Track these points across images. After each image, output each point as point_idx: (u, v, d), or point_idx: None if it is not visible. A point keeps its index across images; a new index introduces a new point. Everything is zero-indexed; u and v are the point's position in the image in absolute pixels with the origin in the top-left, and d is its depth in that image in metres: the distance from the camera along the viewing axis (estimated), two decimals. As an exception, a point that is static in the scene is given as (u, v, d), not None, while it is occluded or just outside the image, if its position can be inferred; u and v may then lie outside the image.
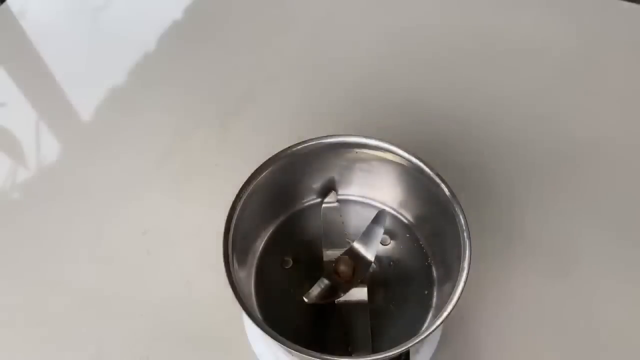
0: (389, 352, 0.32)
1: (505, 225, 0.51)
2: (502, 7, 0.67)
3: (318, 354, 0.32)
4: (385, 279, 0.42)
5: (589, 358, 0.45)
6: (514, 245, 0.49)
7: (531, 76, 0.61)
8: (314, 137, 0.40)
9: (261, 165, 0.39)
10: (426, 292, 0.41)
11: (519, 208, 0.52)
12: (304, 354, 0.32)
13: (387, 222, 0.42)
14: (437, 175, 0.38)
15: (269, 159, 0.39)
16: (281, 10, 0.69)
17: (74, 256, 0.51)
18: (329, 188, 0.44)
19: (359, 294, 0.39)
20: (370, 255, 0.40)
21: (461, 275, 0.35)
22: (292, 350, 0.32)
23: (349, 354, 0.37)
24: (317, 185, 0.44)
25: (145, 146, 0.58)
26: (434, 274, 0.42)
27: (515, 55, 0.63)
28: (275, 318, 0.38)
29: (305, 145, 0.40)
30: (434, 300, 0.40)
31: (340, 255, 0.40)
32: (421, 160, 0.39)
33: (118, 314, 0.48)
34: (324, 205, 0.44)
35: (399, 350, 0.32)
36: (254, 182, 0.38)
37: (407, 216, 0.44)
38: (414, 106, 0.59)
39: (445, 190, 0.37)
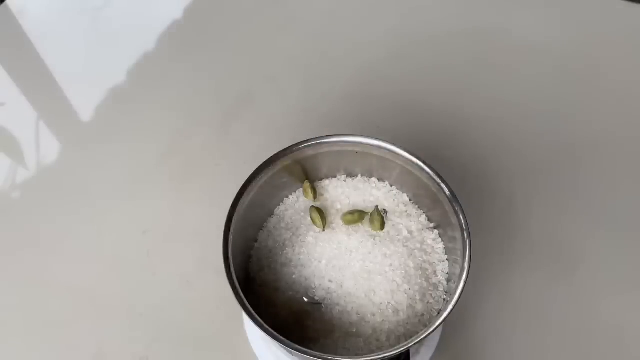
0: (389, 352, 0.32)
1: (505, 225, 0.51)
2: (502, 7, 0.67)
3: (318, 354, 0.32)
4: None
5: (589, 358, 0.45)
6: (514, 245, 0.50)
7: (531, 76, 0.61)
8: (313, 137, 0.40)
9: (261, 165, 0.39)
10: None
11: (519, 207, 0.52)
12: (304, 354, 0.32)
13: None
14: (437, 174, 0.38)
15: (269, 159, 0.39)
16: (281, 10, 0.69)
17: (74, 256, 0.51)
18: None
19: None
20: None
21: (461, 275, 0.35)
22: (292, 350, 0.32)
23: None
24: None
25: (145, 146, 0.58)
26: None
27: (515, 55, 0.63)
28: (275, 318, 0.38)
29: (306, 145, 0.39)
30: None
31: None
32: (421, 160, 0.39)
33: (118, 314, 0.48)
34: None
35: (399, 350, 0.32)
36: (254, 182, 0.38)
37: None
38: (414, 106, 0.59)
39: (445, 190, 0.37)
